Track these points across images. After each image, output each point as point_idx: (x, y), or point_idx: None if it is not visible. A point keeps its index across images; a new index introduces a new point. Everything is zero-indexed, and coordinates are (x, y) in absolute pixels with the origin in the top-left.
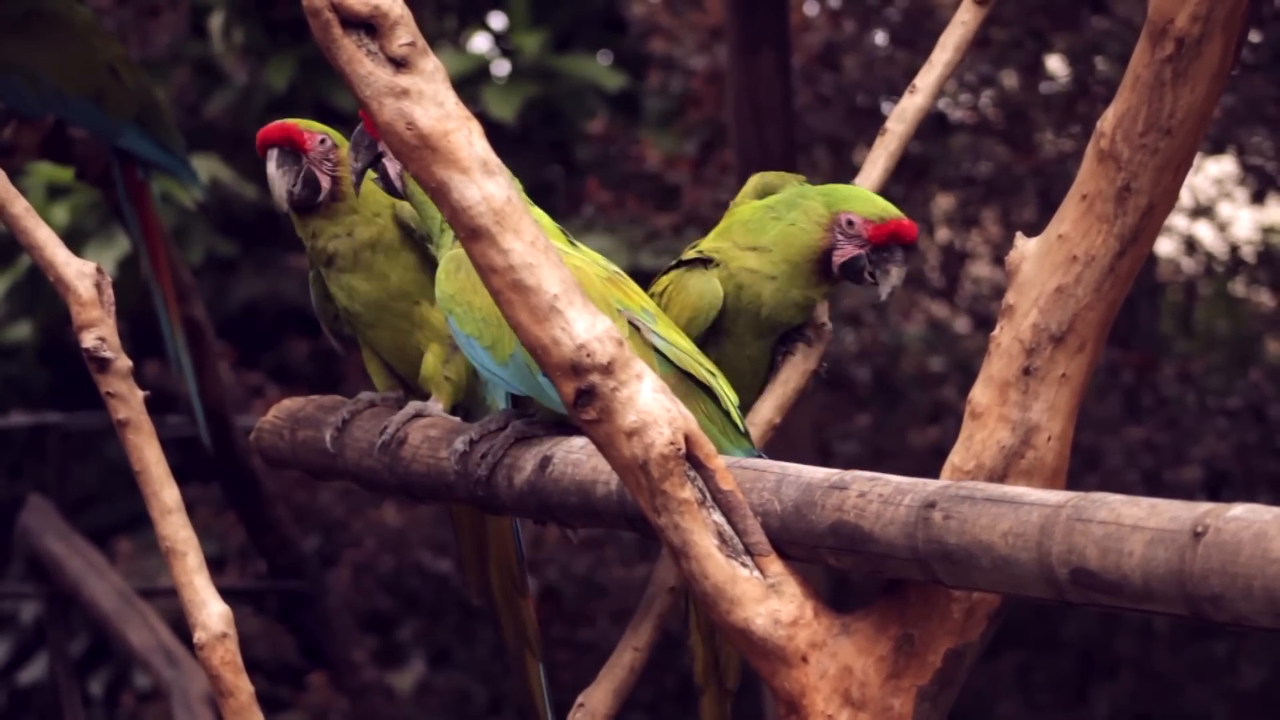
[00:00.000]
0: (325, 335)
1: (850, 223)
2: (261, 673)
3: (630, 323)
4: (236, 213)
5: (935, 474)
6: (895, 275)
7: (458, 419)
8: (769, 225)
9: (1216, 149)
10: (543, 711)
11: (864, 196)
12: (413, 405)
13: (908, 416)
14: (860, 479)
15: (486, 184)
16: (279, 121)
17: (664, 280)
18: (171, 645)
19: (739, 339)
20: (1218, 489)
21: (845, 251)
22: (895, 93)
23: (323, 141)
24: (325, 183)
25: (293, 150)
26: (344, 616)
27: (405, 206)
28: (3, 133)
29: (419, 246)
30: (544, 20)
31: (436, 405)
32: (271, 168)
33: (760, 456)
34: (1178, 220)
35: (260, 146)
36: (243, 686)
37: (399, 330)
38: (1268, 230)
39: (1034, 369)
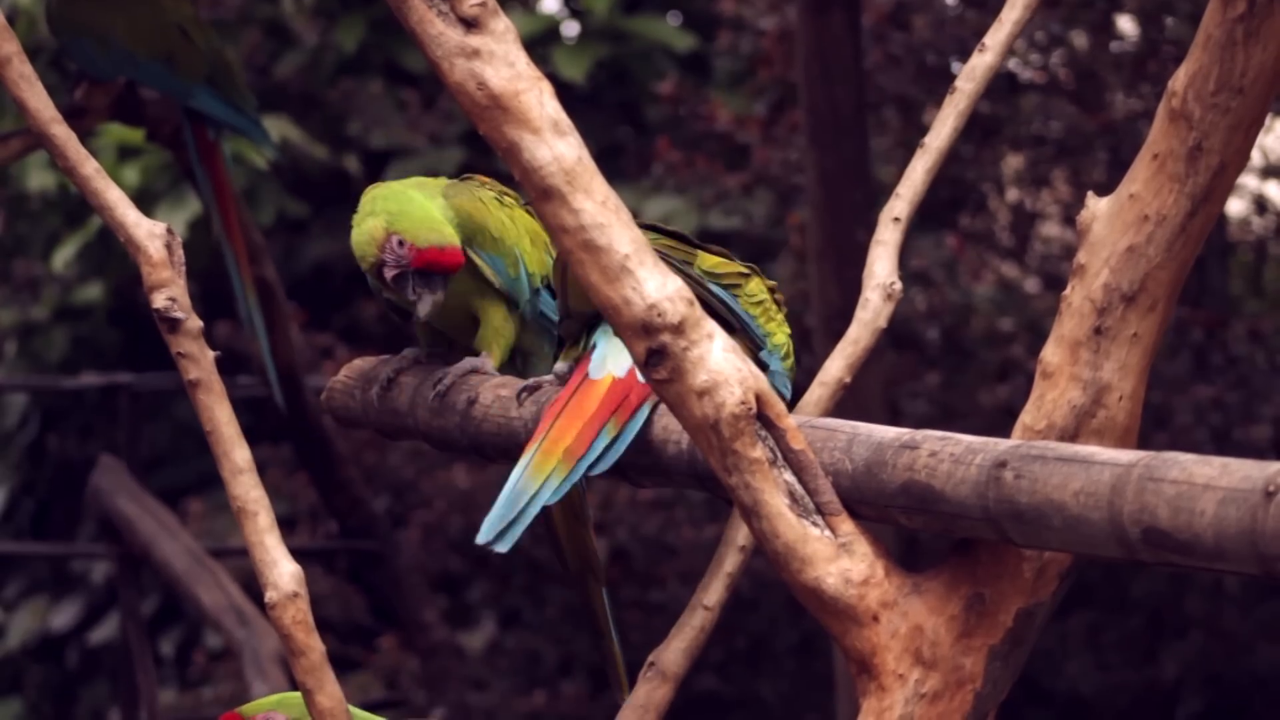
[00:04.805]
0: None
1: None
2: (332, 633)
3: None
4: (307, 173)
5: (1005, 433)
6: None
7: (510, 377)
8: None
9: None
10: (606, 631)
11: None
12: (468, 361)
13: (977, 376)
14: (931, 438)
15: (558, 144)
16: None
17: None
18: (243, 605)
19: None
20: None
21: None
22: (965, 52)
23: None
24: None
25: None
26: (414, 577)
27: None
28: (74, 95)
29: None
30: None
31: (488, 362)
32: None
33: None
34: (1248, 180)
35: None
36: (314, 646)
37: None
38: None
39: (1105, 328)
